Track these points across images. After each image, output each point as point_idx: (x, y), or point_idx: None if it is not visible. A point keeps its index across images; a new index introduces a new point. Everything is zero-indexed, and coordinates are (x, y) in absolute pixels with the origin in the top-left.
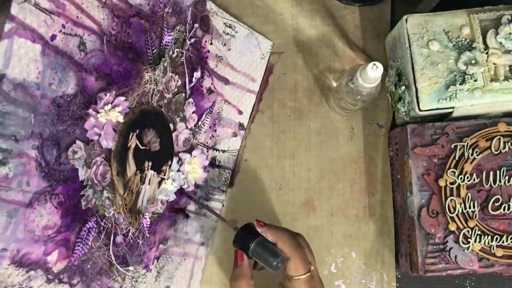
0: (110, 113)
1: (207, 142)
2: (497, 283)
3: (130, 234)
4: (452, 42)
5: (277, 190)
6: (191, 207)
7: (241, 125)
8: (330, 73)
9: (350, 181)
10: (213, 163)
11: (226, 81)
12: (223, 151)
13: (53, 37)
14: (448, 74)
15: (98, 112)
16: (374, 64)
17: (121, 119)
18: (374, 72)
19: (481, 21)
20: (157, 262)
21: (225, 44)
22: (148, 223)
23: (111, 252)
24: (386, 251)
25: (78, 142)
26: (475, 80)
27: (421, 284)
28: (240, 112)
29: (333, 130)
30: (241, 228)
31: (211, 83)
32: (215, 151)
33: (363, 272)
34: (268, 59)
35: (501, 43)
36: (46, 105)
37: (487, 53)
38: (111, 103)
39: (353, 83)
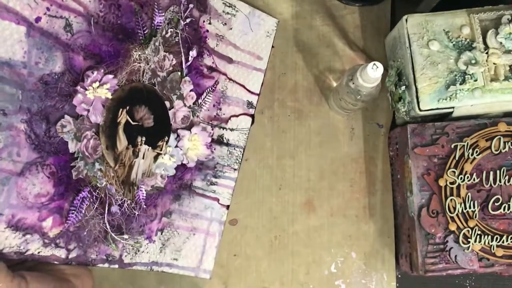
0: (98, 90)
1: (211, 120)
2: (497, 283)
3: (125, 204)
4: (452, 42)
5: (277, 190)
6: (198, 183)
7: (249, 104)
8: (330, 73)
9: (350, 181)
10: (220, 141)
11: (229, 60)
12: (232, 130)
13: (38, 19)
14: (448, 74)
15: (86, 89)
16: (374, 64)
17: (109, 95)
18: (374, 72)
19: (481, 21)
20: (161, 234)
21: (225, 24)
22: (144, 195)
23: (106, 221)
24: (386, 251)
25: (66, 116)
26: (475, 80)
27: (421, 284)
28: (248, 91)
29: (333, 130)
30: None
31: (212, 62)
32: (221, 129)
33: (363, 272)
34: (274, 37)
35: (501, 43)
36: (33, 82)
37: (487, 53)
38: (99, 81)
39: (353, 83)
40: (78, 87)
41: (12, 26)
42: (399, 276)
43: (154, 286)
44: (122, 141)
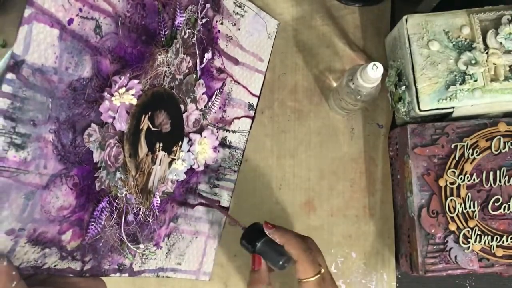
0: (124, 96)
1: (217, 123)
2: (497, 283)
3: (140, 213)
4: (452, 42)
5: (277, 190)
6: (202, 186)
7: (250, 106)
8: (330, 73)
9: (350, 181)
10: (223, 144)
11: (235, 61)
12: (234, 132)
13: (70, 21)
14: (448, 74)
15: (112, 95)
16: (374, 64)
17: (134, 101)
18: (374, 72)
19: (481, 21)
20: (168, 239)
21: (234, 24)
22: (158, 202)
23: (122, 231)
24: (386, 251)
25: (93, 125)
26: (475, 80)
27: (421, 284)
28: (250, 93)
29: (333, 130)
30: (248, 228)
31: (221, 64)
32: (225, 131)
33: (363, 272)
34: (275, 38)
35: (501, 43)
36: (63, 89)
37: (487, 53)
38: (125, 86)
39: (353, 83)
40: (105, 93)
41: (46, 29)
42: (399, 276)
43: (154, 286)
44: (143, 148)
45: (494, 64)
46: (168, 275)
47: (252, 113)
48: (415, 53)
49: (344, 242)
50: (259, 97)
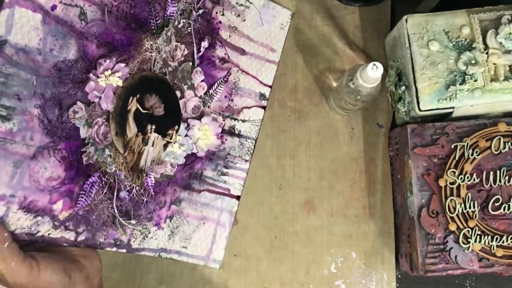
0: (110, 78)
1: (222, 111)
2: (497, 283)
3: (134, 191)
4: (452, 42)
5: (277, 190)
6: (208, 173)
7: (262, 95)
8: (330, 73)
9: (350, 181)
10: (232, 132)
11: (242, 52)
12: (243, 121)
13: (53, 7)
14: (448, 74)
15: (98, 77)
16: (374, 64)
17: (121, 83)
18: (374, 72)
19: (481, 21)
20: (170, 221)
21: (239, 15)
22: (153, 182)
23: (114, 206)
24: (386, 251)
25: (79, 103)
26: (475, 80)
27: (421, 284)
28: (261, 82)
29: (333, 130)
30: None
31: (225, 53)
32: (233, 120)
33: (363, 272)
34: (289, 29)
35: (501, 43)
36: (48, 68)
37: (487, 53)
38: (111, 69)
39: (353, 83)
40: (91, 75)
41: (28, 14)
42: (399, 276)
43: (154, 286)
44: (132, 128)
45: (494, 64)
46: (172, 257)
47: (264, 103)
48: (415, 53)
49: (344, 242)
50: (271, 86)
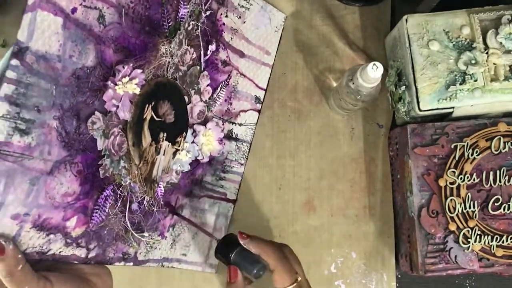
0: (128, 85)
1: (222, 115)
2: (497, 283)
3: (145, 202)
4: (452, 42)
5: (277, 190)
6: (208, 178)
7: (257, 99)
8: (330, 73)
9: (350, 181)
10: (229, 136)
11: (241, 54)
12: (240, 124)
13: (74, 10)
14: (448, 74)
15: (116, 84)
16: (374, 64)
17: (137, 91)
18: (374, 72)
19: (481, 21)
20: (173, 230)
21: (240, 17)
22: (163, 192)
23: (127, 219)
24: (386, 251)
25: (97, 113)
26: (475, 80)
27: (421, 284)
28: (256, 86)
29: (333, 130)
30: (221, 239)
31: (226, 56)
32: (231, 124)
33: (363, 272)
34: (282, 31)
35: (501, 43)
36: (67, 77)
37: (487, 53)
38: (129, 76)
39: (353, 83)
40: (109, 82)
41: (50, 17)
42: (399, 276)
43: (155, 286)
44: (147, 138)
45: (494, 64)
46: (173, 265)
47: (259, 106)
48: (415, 53)
49: (344, 242)
50: (265, 90)
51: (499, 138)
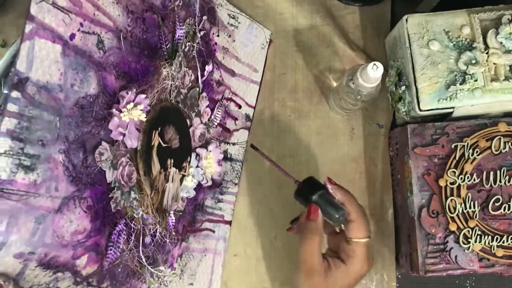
0: (133, 112)
1: (218, 136)
2: (497, 283)
3: (157, 234)
4: (452, 42)
5: (277, 190)
6: (208, 202)
7: (247, 117)
8: (330, 73)
9: (350, 181)
10: (226, 157)
11: (232, 73)
12: (233, 144)
13: (72, 36)
14: (448, 74)
15: (121, 112)
16: (374, 64)
17: (143, 117)
18: (374, 72)
19: (481, 21)
20: (180, 260)
21: (230, 35)
22: (174, 221)
23: (141, 253)
24: (386, 251)
25: (103, 143)
26: (476, 80)
27: (421, 284)
28: (246, 104)
29: (333, 130)
30: (304, 181)
31: (220, 76)
32: (226, 144)
33: None
34: (268, 48)
35: (501, 43)
36: (70, 107)
37: (487, 53)
38: (133, 102)
39: (353, 83)
40: (113, 110)
41: (48, 45)
42: (399, 276)
43: None
44: (156, 165)
45: (494, 64)
46: None
47: (248, 124)
48: (415, 53)
49: None
50: (254, 107)
51: (499, 138)
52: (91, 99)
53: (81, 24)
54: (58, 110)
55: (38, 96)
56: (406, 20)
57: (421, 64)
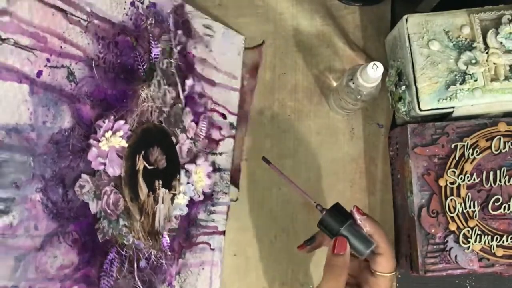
0: (112, 140)
1: (205, 148)
2: (497, 283)
3: (152, 256)
4: (452, 42)
5: (277, 190)
6: (201, 216)
7: (231, 125)
8: (330, 73)
9: (350, 181)
10: (214, 168)
11: (212, 83)
12: (220, 154)
13: (39, 73)
14: (448, 74)
15: (99, 141)
16: (374, 63)
17: (124, 143)
18: (374, 71)
19: (481, 20)
20: (179, 277)
21: (206, 46)
22: (168, 241)
23: (137, 279)
24: None
25: (83, 175)
26: (475, 80)
27: (421, 284)
28: (229, 112)
29: (333, 130)
30: (330, 210)
31: (201, 88)
32: (213, 155)
33: None
34: (244, 53)
35: (501, 42)
36: (44, 144)
37: (487, 52)
38: (111, 129)
39: (353, 83)
40: (91, 140)
41: (14, 86)
42: (399, 276)
43: None
44: (143, 189)
45: (494, 63)
46: None
47: (233, 132)
48: (415, 53)
49: None
50: (237, 114)
51: (499, 138)
52: (66, 132)
53: (48, 60)
54: (31, 149)
55: (8, 139)
56: (406, 20)
57: (421, 64)
